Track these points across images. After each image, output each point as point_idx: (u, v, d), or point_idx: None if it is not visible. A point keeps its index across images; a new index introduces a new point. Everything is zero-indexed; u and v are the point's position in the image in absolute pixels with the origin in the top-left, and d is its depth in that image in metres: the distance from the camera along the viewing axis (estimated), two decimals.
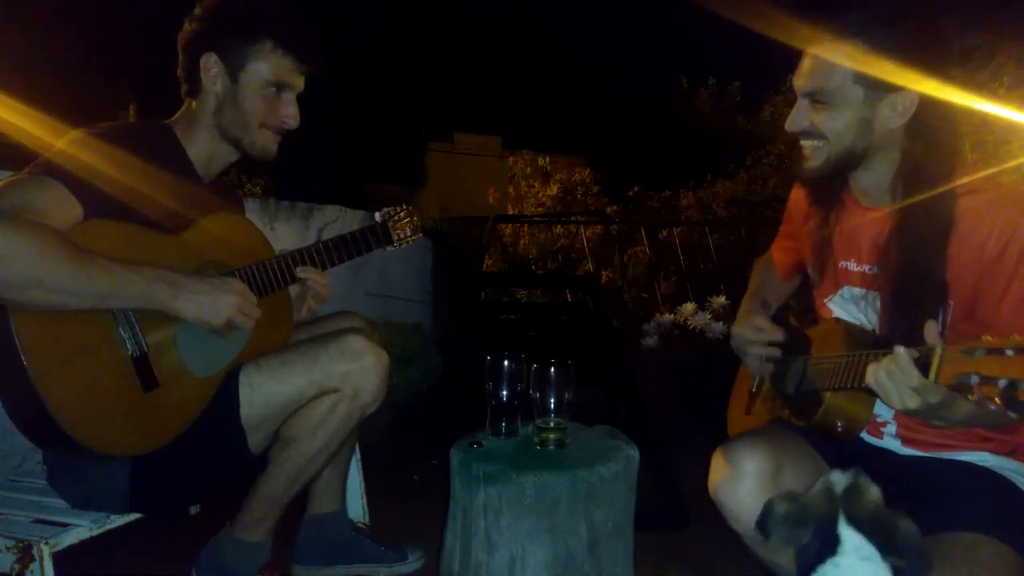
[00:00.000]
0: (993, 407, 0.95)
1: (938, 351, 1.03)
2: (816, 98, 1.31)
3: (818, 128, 1.32)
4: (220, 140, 1.61)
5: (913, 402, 1.09)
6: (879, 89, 1.27)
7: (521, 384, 1.59)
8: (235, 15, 1.57)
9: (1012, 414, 0.94)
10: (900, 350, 1.09)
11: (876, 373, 1.12)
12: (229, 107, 1.58)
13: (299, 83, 1.63)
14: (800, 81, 1.34)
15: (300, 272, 1.66)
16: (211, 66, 1.55)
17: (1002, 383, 0.93)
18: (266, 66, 1.57)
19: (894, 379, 1.09)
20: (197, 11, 1.59)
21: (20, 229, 1.23)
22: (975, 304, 1.25)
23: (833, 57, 1.28)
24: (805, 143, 1.37)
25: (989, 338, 0.97)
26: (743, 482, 1.29)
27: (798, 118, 1.35)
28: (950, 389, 1.04)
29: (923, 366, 1.05)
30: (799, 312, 1.65)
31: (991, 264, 1.22)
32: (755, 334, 1.56)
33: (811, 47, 1.31)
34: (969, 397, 0.98)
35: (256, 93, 1.58)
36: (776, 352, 1.55)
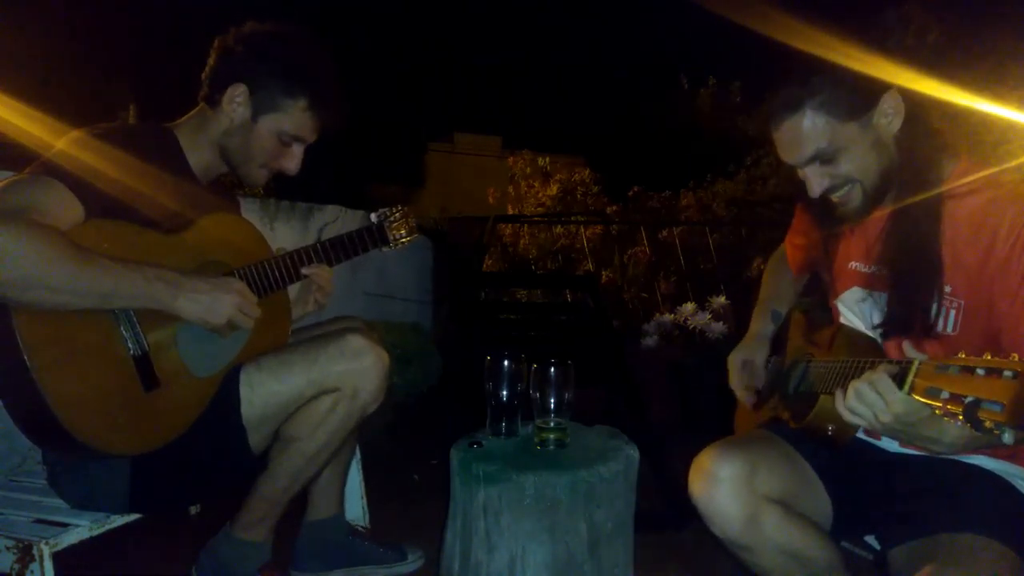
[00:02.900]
0: (958, 423, 0.95)
1: (915, 365, 1.04)
2: (821, 158, 1.30)
3: (843, 175, 1.31)
4: (219, 156, 1.61)
5: (885, 416, 1.08)
6: (864, 109, 1.27)
7: (521, 384, 1.59)
8: (282, 62, 1.55)
9: (977, 432, 0.95)
10: (884, 363, 1.10)
11: (849, 389, 1.13)
12: (239, 137, 1.58)
13: (313, 139, 1.64)
14: (792, 155, 1.33)
15: (305, 270, 1.67)
16: (238, 95, 1.55)
17: (968, 400, 0.94)
18: (290, 120, 1.57)
19: (866, 394, 1.09)
20: (248, 29, 1.57)
21: (22, 229, 1.23)
22: (992, 303, 1.25)
23: (808, 119, 1.27)
24: (836, 195, 1.34)
25: (963, 355, 0.98)
26: (719, 487, 1.31)
27: (818, 181, 1.33)
28: (923, 403, 1.04)
29: (899, 379, 1.06)
30: (815, 312, 1.66)
31: (1002, 263, 1.23)
32: (743, 376, 1.64)
33: (782, 123, 1.30)
34: (935, 411, 0.99)
35: (268, 138, 1.58)
36: (754, 398, 1.64)
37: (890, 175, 1.31)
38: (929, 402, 1.00)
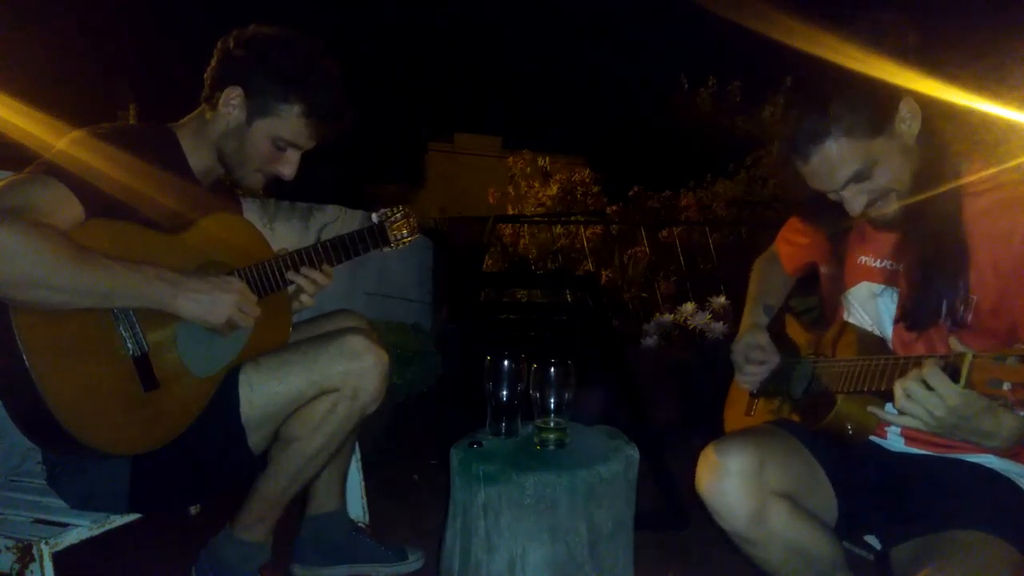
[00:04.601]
0: (1022, 412, 0.96)
1: (968, 357, 1.04)
2: (857, 178, 1.29)
3: (880, 188, 1.30)
4: (217, 160, 1.61)
5: (939, 409, 1.08)
6: (885, 122, 1.26)
7: (521, 384, 1.59)
8: (278, 66, 1.53)
9: None
10: (929, 361, 1.09)
11: (898, 386, 1.12)
12: (234, 140, 1.57)
13: (310, 146, 1.63)
14: (828, 182, 1.30)
15: (290, 276, 1.64)
16: (234, 97, 1.54)
17: None
18: (285, 126, 1.56)
19: (915, 389, 1.09)
20: (249, 32, 1.56)
21: (22, 228, 1.23)
22: (1003, 302, 1.26)
23: (836, 147, 1.26)
24: (874, 208, 1.33)
25: (1021, 347, 0.99)
26: (727, 480, 1.30)
27: (857, 199, 1.31)
28: (981, 395, 1.05)
29: (952, 372, 1.06)
30: (807, 312, 1.65)
31: (1019, 260, 1.23)
32: (753, 352, 1.60)
33: (810, 156, 1.28)
34: (1000, 402, 1.00)
35: (263, 143, 1.57)
36: (762, 374, 1.60)
37: (921, 175, 1.30)
38: (993, 392, 1.00)
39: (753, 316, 1.69)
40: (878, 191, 1.30)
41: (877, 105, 1.25)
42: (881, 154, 1.26)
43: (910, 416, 1.12)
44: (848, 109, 1.23)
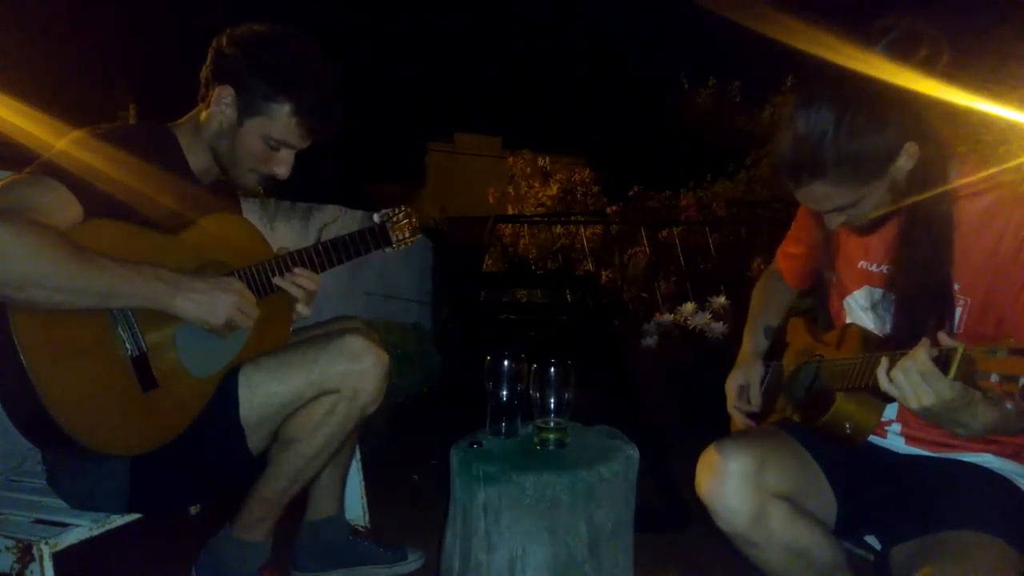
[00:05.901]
0: (1010, 404, 0.97)
1: (959, 351, 1.04)
2: (841, 209, 1.31)
3: (860, 215, 1.32)
4: (212, 159, 1.61)
5: (928, 398, 1.09)
6: (880, 174, 1.25)
7: (521, 384, 1.59)
8: (267, 65, 1.52)
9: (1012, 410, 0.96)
10: (924, 341, 1.10)
11: (891, 371, 1.13)
12: (227, 140, 1.57)
13: (303, 145, 1.62)
14: (810, 206, 1.35)
15: (277, 281, 1.60)
16: (225, 97, 1.53)
17: (1022, 381, 0.95)
18: (275, 125, 1.55)
19: (909, 374, 1.10)
20: (240, 31, 1.55)
21: (21, 228, 1.23)
22: (990, 300, 1.26)
23: (823, 189, 1.26)
24: (847, 223, 1.36)
25: (1012, 341, 0.99)
26: (727, 481, 1.30)
27: (837, 219, 1.34)
28: (968, 386, 1.05)
29: (943, 365, 1.06)
30: (815, 312, 1.66)
31: (1007, 261, 1.24)
32: (739, 402, 1.63)
33: (796, 189, 1.30)
34: (987, 394, 1.01)
35: (255, 142, 1.56)
36: (751, 424, 1.62)
37: (901, 197, 1.30)
38: (982, 384, 1.01)
39: (752, 342, 1.70)
40: (857, 217, 1.33)
41: (877, 158, 1.23)
42: (868, 194, 1.27)
43: (899, 398, 1.14)
44: (840, 161, 1.22)
